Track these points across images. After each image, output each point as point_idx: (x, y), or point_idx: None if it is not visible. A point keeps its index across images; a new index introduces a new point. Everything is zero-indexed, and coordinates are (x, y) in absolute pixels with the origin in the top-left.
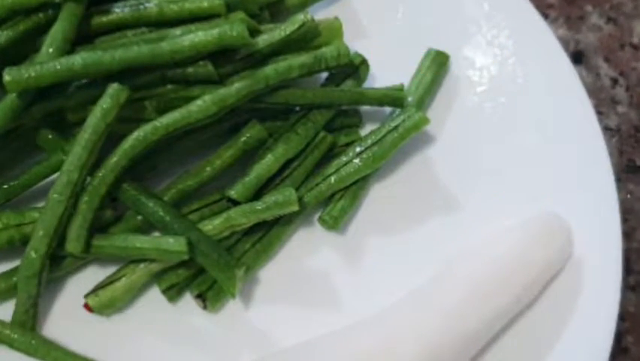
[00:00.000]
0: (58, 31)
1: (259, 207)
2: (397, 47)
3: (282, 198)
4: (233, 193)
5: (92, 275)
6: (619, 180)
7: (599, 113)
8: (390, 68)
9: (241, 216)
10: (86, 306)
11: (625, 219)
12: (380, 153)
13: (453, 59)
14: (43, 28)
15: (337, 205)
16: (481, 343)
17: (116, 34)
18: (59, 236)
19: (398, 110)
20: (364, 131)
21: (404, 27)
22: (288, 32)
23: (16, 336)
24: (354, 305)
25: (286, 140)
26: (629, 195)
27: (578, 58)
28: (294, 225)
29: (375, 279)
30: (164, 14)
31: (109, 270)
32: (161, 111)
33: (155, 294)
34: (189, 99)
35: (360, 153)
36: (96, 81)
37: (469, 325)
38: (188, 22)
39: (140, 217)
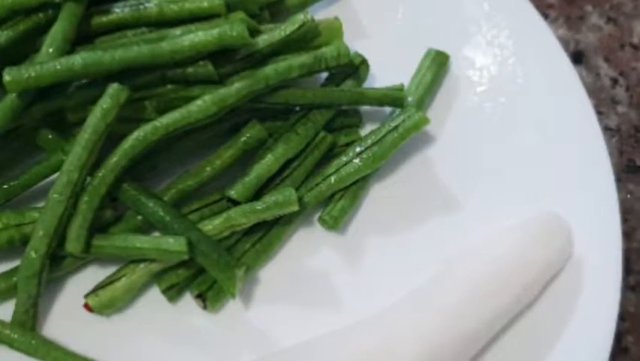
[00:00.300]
0: (58, 31)
1: (259, 207)
2: (397, 47)
3: (282, 198)
4: (233, 193)
5: (91, 275)
6: (619, 180)
7: (599, 113)
8: (390, 68)
9: (241, 216)
10: (86, 306)
11: (625, 220)
12: (380, 153)
13: (453, 59)
14: (43, 28)
15: (337, 205)
16: (481, 343)
17: (116, 34)
18: (59, 236)
19: (398, 110)
20: (364, 131)
21: (404, 27)
22: (288, 32)
23: (16, 336)
24: (354, 305)
25: (286, 140)
26: (629, 195)
27: (578, 58)
28: (294, 225)
29: (375, 279)
30: (164, 14)
31: (109, 270)
32: (161, 111)
33: (155, 294)
34: (189, 99)
35: (360, 153)
36: (96, 81)
37: (469, 325)
38: (188, 22)
39: (140, 217)
